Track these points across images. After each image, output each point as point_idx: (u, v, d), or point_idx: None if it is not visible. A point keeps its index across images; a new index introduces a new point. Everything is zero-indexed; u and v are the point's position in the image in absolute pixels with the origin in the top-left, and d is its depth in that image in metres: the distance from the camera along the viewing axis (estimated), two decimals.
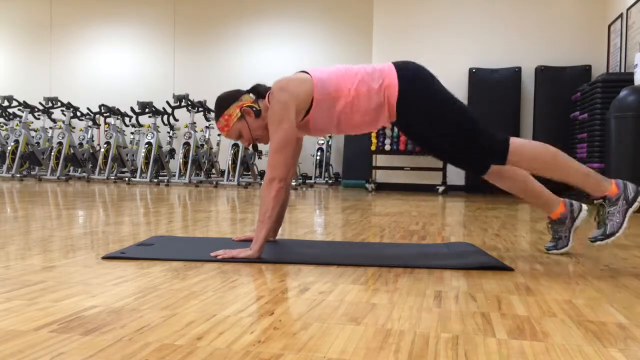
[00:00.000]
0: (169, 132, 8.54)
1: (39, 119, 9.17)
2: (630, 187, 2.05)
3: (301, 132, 2.25)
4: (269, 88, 2.23)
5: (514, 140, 2.08)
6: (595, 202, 2.11)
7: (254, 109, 2.19)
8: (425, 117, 2.10)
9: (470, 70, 7.39)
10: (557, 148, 2.11)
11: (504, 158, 2.07)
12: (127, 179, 8.22)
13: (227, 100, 2.21)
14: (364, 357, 1.08)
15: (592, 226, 3.21)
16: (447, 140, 2.11)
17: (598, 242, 2.06)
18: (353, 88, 2.12)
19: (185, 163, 8.14)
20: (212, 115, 8.85)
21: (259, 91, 2.24)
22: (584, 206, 2.35)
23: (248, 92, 2.25)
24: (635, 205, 2.03)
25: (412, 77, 2.12)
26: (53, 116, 9.80)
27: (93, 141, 9.27)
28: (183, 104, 8.20)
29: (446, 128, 2.09)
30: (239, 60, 9.81)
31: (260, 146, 9.67)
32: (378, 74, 2.13)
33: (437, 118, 2.09)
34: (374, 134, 7.50)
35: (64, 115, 8.82)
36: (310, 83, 2.12)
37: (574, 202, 2.36)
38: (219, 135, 9.12)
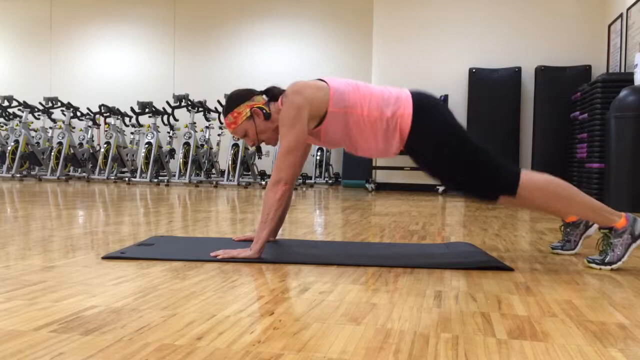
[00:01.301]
0: (169, 132, 8.54)
1: (39, 119, 9.17)
2: (639, 223, 2.03)
3: (312, 139, 2.23)
4: (283, 91, 2.22)
5: (524, 175, 2.05)
6: (601, 230, 2.10)
7: (264, 111, 2.18)
8: (436, 150, 2.08)
9: (470, 70, 7.38)
10: (568, 182, 2.10)
11: (514, 192, 2.04)
12: (127, 179, 8.22)
13: (239, 97, 2.20)
14: (364, 357, 1.08)
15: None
16: (456, 173, 2.08)
17: (593, 265, 2.06)
18: (366, 109, 2.09)
19: (185, 163, 8.15)
20: (212, 115, 8.86)
21: (273, 94, 2.23)
22: None
23: (261, 93, 2.24)
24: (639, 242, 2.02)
25: (427, 109, 2.09)
26: (53, 116, 9.81)
27: (93, 141, 9.26)
28: (183, 104, 8.20)
29: (457, 162, 2.06)
30: (239, 60, 9.81)
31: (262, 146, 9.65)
32: (394, 100, 2.11)
33: (449, 152, 2.06)
34: None
35: (64, 115, 8.82)
36: (327, 92, 2.10)
37: (585, 226, 2.37)
38: (219, 135, 9.12)
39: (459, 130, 2.08)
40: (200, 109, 8.30)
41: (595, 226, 2.34)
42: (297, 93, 2.09)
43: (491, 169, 2.05)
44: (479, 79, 7.36)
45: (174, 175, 8.40)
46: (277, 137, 2.25)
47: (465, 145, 2.06)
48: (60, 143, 8.57)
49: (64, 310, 1.36)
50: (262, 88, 9.55)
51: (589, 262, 2.08)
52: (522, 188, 2.03)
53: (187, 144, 8.12)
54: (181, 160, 8.12)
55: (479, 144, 2.08)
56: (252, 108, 2.18)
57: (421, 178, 7.69)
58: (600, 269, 2.04)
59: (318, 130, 2.16)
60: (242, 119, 2.18)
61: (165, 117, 9.03)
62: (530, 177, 2.05)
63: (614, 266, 2.02)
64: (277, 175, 2.09)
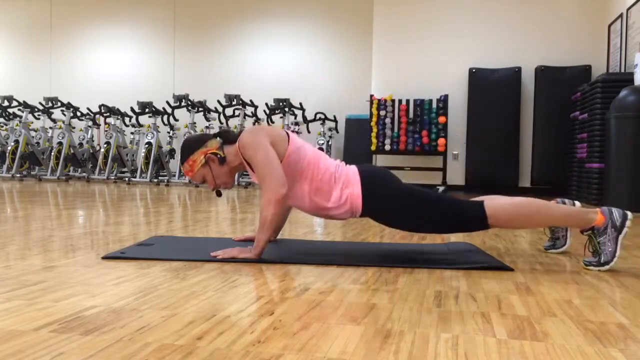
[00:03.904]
0: (169, 132, 8.54)
1: (39, 119, 9.16)
2: (616, 213, 2.03)
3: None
4: (239, 134, 2.23)
5: (488, 205, 2.08)
6: (584, 233, 2.09)
7: (219, 156, 2.20)
8: (395, 216, 2.15)
9: (470, 70, 7.38)
10: (531, 197, 2.14)
11: (485, 224, 2.09)
12: (127, 179, 8.22)
13: (192, 145, 2.22)
14: (364, 357, 1.08)
15: None
16: (424, 226, 2.16)
17: (592, 268, 2.05)
18: (317, 180, 2.14)
19: None
20: (212, 115, 8.86)
21: (227, 137, 2.26)
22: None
23: (215, 136, 2.26)
24: (625, 230, 2.00)
25: (376, 184, 2.14)
26: (53, 116, 9.81)
27: (93, 141, 9.26)
28: (183, 104, 8.20)
29: (420, 218, 2.12)
30: (239, 60, 9.81)
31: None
32: (344, 178, 2.15)
33: (409, 213, 2.12)
34: (373, 134, 7.49)
35: (64, 115, 8.82)
36: (285, 146, 2.14)
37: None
38: None
39: (411, 192, 2.13)
40: (200, 109, 8.30)
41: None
42: (259, 128, 2.15)
43: (454, 214, 2.11)
44: (479, 79, 7.35)
45: (174, 175, 8.40)
46: (233, 180, 2.29)
47: (424, 202, 2.11)
48: (60, 143, 8.57)
49: (64, 310, 1.36)
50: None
51: (586, 265, 2.07)
52: (491, 217, 2.07)
53: None
54: None
55: (435, 197, 2.14)
56: (206, 154, 2.20)
57: (421, 178, 7.69)
58: (599, 270, 2.04)
59: None
60: (197, 166, 2.20)
61: (165, 117, 9.03)
62: (494, 206, 2.08)
63: (611, 264, 2.01)
64: (265, 186, 2.08)
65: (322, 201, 2.16)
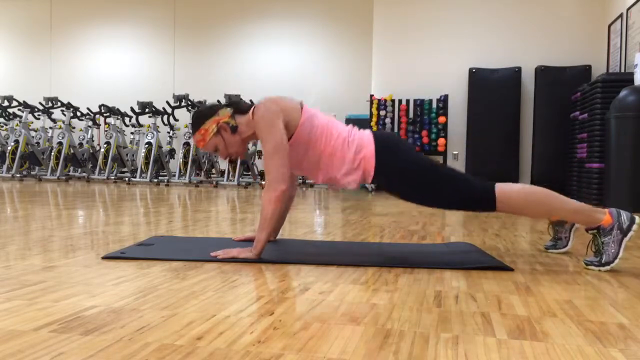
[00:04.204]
0: (169, 132, 8.54)
1: (39, 119, 9.16)
2: (624, 215, 2.03)
3: None
4: (252, 105, 2.24)
5: (499, 188, 2.08)
6: (589, 232, 2.09)
7: (230, 125, 2.20)
8: (404, 184, 2.12)
9: (470, 70, 7.38)
10: (544, 187, 2.12)
11: (492, 206, 2.08)
12: (127, 179, 8.22)
13: (204, 114, 2.22)
14: (364, 357, 1.08)
15: None
16: (431, 200, 2.13)
17: (592, 267, 2.05)
18: (330, 146, 2.14)
19: (185, 163, 8.14)
20: None
21: (238, 106, 2.25)
22: None
23: (226, 106, 2.26)
24: (630, 234, 2.00)
25: (389, 149, 2.13)
26: (53, 116, 9.82)
27: (93, 141, 9.26)
28: (183, 104, 8.21)
29: (429, 191, 2.10)
30: (239, 60, 9.82)
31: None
32: (357, 142, 2.14)
33: (418, 184, 2.10)
34: None
35: (64, 115, 8.82)
36: (299, 115, 2.14)
37: None
38: None
39: (424, 162, 2.12)
40: None
41: None
42: (273, 102, 2.13)
43: (464, 190, 2.09)
44: (479, 79, 7.35)
45: (174, 175, 8.40)
46: (245, 150, 2.29)
47: (436, 173, 2.10)
48: (60, 143, 8.57)
49: (64, 310, 1.36)
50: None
51: (587, 264, 2.07)
52: (500, 201, 2.07)
53: (187, 144, 8.12)
54: (181, 160, 8.12)
55: (447, 170, 2.12)
56: (219, 123, 2.20)
57: None
58: (599, 270, 2.04)
59: None
60: (209, 135, 2.20)
61: (165, 117, 9.03)
62: (505, 190, 2.07)
63: (612, 265, 2.01)
64: (268, 179, 2.09)
65: (335, 167, 2.15)
